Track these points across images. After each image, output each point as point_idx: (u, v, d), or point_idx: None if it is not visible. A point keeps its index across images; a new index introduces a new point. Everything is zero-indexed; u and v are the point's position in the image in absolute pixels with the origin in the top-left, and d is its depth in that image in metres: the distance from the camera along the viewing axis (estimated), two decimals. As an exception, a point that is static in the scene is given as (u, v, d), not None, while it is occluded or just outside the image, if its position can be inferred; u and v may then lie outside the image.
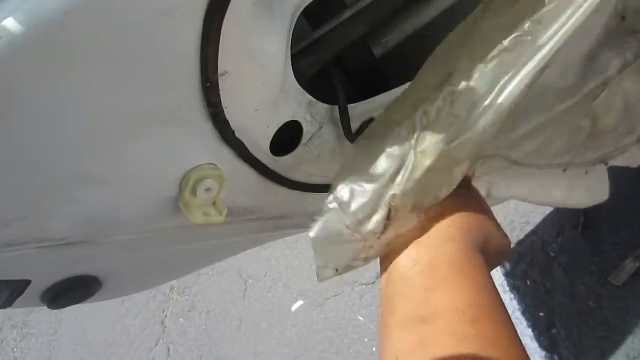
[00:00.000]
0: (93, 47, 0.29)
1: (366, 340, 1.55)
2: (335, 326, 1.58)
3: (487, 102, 0.40)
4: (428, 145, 0.38)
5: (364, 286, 1.61)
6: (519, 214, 1.54)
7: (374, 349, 1.54)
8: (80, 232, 0.39)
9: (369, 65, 0.56)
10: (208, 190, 0.42)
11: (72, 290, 0.43)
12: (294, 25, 0.39)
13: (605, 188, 0.87)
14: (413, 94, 0.42)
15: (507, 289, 1.47)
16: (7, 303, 0.39)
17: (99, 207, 0.39)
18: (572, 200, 0.84)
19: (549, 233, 1.49)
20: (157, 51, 0.31)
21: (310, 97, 0.45)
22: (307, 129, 0.46)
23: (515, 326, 1.34)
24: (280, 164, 0.48)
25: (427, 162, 0.37)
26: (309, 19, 0.46)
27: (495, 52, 0.41)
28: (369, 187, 0.37)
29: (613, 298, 1.35)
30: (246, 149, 0.43)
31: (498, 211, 1.68)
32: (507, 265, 1.50)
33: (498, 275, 1.50)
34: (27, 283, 0.39)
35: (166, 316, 1.76)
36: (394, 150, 0.38)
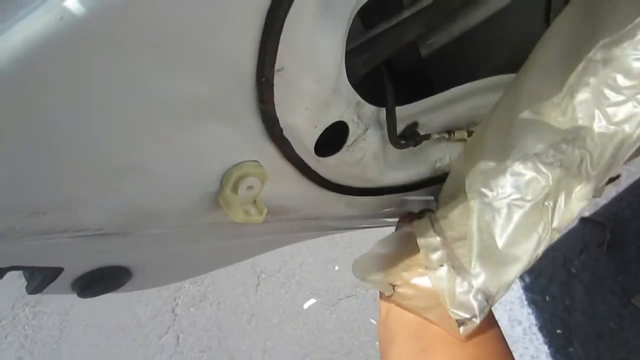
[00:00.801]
0: (151, 35, 0.27)
1: (377, 343, 1.53)
2: (347, 327, 1.57)
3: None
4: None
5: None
6: (541, 227, 1.51)
7: (385, 353, 1.52)
8: (117, 223, 0.38)
9: (415, 66, 0.55)
10: (250, 187, 0.41)
11: (103, 280, 0.42)
12: (350, 24, 0.38)
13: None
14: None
15: (525, 302, 1.44)
16: (38, 289, 0.38)
17: (138, 199, 0.37)
18: None
19: (571, 249, 1.46)
20: (215, 42, 0.30)
21: (359, 98, 0.43)
22: (353, 130, 0.44)
23: (531, 342, 1.31)
24: (321, 165, 0.46)
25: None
26: (361, 17, 0.45)
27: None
28: None
29: (635, 320, 1.31)
30: (292, 147, 0.41)
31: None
32: (527, 279, 1.47)
33: (517, 287, 1.47)
34: (60, 270, 0.38)
35: (177, 304, 1.76)
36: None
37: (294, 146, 0.42)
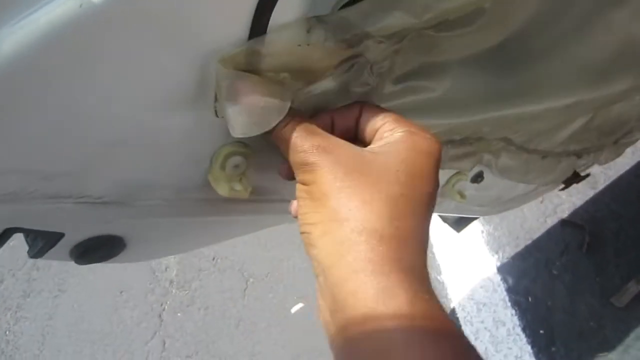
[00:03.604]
0: (152, 25, 0.30)
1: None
2: (333, 330, 1.58)
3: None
4: None
5: (364, 292, 1.61)
6: (524, 230, 1.55)
7: (371, 356, 1.53)
8: (117, 192, 0.40)
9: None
10: (236, 166, 0.44)
11: (99, 248, 0.44)
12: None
13: (566, 175, 0.93)
14: None
15: (509, 304, 1.47)
16: (40, 253, 0.40)
17: (137, 171, 0.40)
18: (539, 181, 0.91)
19: (552, 251, 1.50)
20: (208, 29, 0.33)
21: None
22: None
23: (515, 342, 1.34)
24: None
25: None
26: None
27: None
28: None
29: (614, 319, 1.35)
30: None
31: (503, 227, 1.70)
32: (510, 281, 1.50)
33: (500, 289, 1.50)
34: (61, 236, 0.40)
35: (164, 309, 1.75)
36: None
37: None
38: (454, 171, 0.75)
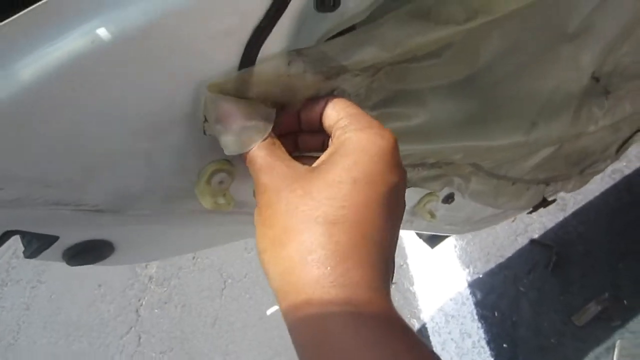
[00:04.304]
0: (152, 57, 0.35)
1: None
2: (306, 334, 1.62)
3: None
4: None
5: (339, 298, 1.66)
6: (495, 247, 1.61)
7: (342, 361, 1.58)
8: (111, 201, 0.44)
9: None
10: (221, 182, 0.48)
11: (90, 251, 0.47)
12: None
13: (535, 202, 0.99)
14: None
15: (476, 317, 1.53)
16: (34, 254, 0.43)
17: (131, 183, 0.44)
18: (508, 206, 0.96)
19: (521, 268, 1.56)
20: (199, 65, 0.37)
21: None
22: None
23: (479, 354, 1.41)
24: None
25: None
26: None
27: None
28: None
29: (574, 337, 1.42)
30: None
31: (476, 242, 1.77)
32: (478, 295, 1.56)
33: (469, 303, 1.56)
34: (55, 239, 0.43)
35: (141, 305, 1.78)
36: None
37: None
38: (427, 191, 0.80)
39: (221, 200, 0.49)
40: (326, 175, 0.33)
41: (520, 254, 1.58)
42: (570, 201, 1.60)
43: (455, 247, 1.65)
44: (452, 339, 1.52)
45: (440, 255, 1.65)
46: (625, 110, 0.87)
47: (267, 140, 0.38)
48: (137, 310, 1.76)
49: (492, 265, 1.59)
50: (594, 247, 1.51)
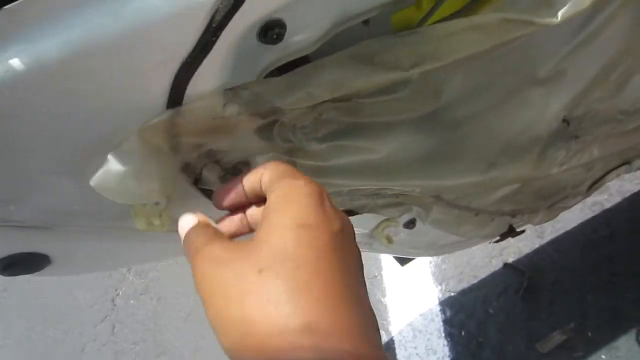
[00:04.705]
0: (73, 89, 0.36)
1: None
2: (276, 337, 1.64)
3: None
4: None
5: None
6: (469, 267, 1.63)
7: None
8: (40, 218, 0.46)
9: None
10: (157, 203, 0.49)
11: (24, 263, 0.49)
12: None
13: (501, 231, 0.99)
14: None
15: (443, 334, 1.54)
16: (-34, 264, 0.45)
17: (60, 200, 0.45)
18: (472, 235, 0.97)
19: (492, 291, 1.58)
20: (122, 100, 0.38)
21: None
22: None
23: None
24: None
25: None
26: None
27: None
28: None
29: (536, 363, 1.43)
30: (199, 178, 0.50)
31: (451, 261, 1.78)
32: (448, 312, 1.58)
33: (437, 319, 1.57)
34: (-14, 250, 0.45)
35: (118, 294, 1.80)
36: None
37: (203, 177, 0.50)
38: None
39: (156, 222, 0.50)
40: (265, 237, 0.33)
41: (493, 276, 1.60)
42: (548, 229, 1.61)
43: (430, 263, 1.67)
44: (417, 354, 1.53)
45: (414, 270, 1.66)
46: (592, 155, 0.88)
47: (199, 224, 0.38)
48: (113, 300, 1.79)
49: (464, 284, 1.60)
50: (566, 276, 1.52)
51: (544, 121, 0.77)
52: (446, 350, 1.51)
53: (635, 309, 1.40)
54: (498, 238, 1.10)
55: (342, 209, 0.70)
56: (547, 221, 1.11)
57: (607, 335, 1.41)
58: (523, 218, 1.05)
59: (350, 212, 0.71)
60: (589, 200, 1.65)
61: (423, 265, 1.66)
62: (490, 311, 1.54)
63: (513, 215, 1.03)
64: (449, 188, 0.76)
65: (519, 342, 1.47)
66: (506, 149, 0.74)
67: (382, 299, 1.64)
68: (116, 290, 1.81)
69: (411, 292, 1.64)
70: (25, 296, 1.86)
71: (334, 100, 0.54)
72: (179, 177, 0.51)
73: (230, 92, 0.45)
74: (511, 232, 1.09)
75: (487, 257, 1.62)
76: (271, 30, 0.40)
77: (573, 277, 1.51)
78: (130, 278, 1.82)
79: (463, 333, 1.53)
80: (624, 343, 1.39)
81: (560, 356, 1.41)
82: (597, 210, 1.59)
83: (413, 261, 1.69)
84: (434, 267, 1.66)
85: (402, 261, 1.30)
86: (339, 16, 0.44)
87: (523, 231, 1.12)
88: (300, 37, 0.43)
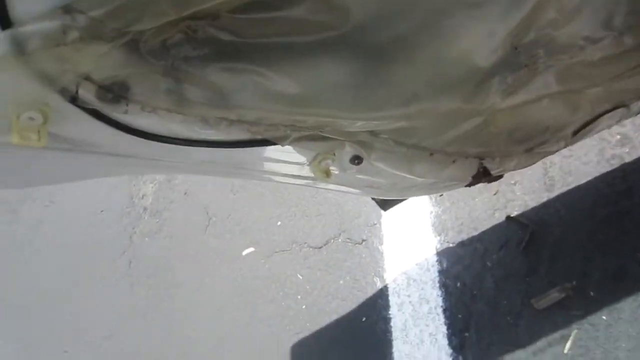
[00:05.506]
0: None
1: (299, 297, 1.66)
2: (276, 278, 1.70)
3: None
4: None
5: (310, 249, 1.70)
6: (470, 219, 1.57)
7: (304, 307, 1.64)
8: None
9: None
10: (31, 119, 0.52)
11: None
12: None
13: (469, 174, 0.93)
14: None
15: (437, 285, 1.52)
16: None
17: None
18: (431, 176, 0.92)
19: (493, 244, 1.52)
20: None
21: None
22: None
23: (433, 320, 1.42)
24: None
25: None
26: None
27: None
28: None
29: (530, 319, 1.38)
30: (78, 97, 0.52)
31: (452, 211, 1.74)
32: (444, 263, 1.55)
33: (433, 270, 1.55)
34: None
35: (135, 232, 1.92)
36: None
37: (80, 96, 0.52)
38: None
39: (32, 137, 0.53)
40: None
41: (495, 229, 1.53)
42: (558, 182, 1.51)
43: (431, 213, 1.62)
44: (410, 302, 1.53)
45: (414, 219, 1.63)
46: (550, 87, 0.81)
47: None
48: (130, 237, 1.91)
49: (464, 236, 1.55)
50: (572, 232, 1.43)
51: (485, 50, 0.71)
52: (439, 300, 1.49)
53: (643, 270, 1.30)
54: (470, 180, 1.05)
55: (256, 137, 0.69)
56: (525, 166, 1.04)
57: (610, 295, 1.32)
58: (494, 162, 0.99)
59: (266, 142, 0.71)
60: (608, 152, 1.52)
61: (423, 215, 1.63)
62: (489, 264, 1.49)
63: (481, 157, 0.98)
64: (374, 122, 0.73)
65: (514, 296, 1.42)
66: (434, 80, 0.70)
67: (379, 247, 1.63)
68: (133, 228, 1.93)
69: (409, 241, 1.61)
70: (57, 227, 2.04)
71: (203, 16, 0.53)
72: (55, 97, 0.53)
73: (68, 17, 0.45)
74: (486, 175, 1.03)
75: (490, 210, 1.55)
76: None
77: (579, 233, 1.41)
78: (146, 217, 1.94)
79: (458, 284, 1.50)
80: (628, 305, 1.30)
81: (557, 314, 1.35)
82: (615, 164, 1.46)
83: (413, 210, 1.66)
84: (435, 217, 1.61)
85: (383, 205, 1.27)
86: None
87: (501, 176, 1.06)
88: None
